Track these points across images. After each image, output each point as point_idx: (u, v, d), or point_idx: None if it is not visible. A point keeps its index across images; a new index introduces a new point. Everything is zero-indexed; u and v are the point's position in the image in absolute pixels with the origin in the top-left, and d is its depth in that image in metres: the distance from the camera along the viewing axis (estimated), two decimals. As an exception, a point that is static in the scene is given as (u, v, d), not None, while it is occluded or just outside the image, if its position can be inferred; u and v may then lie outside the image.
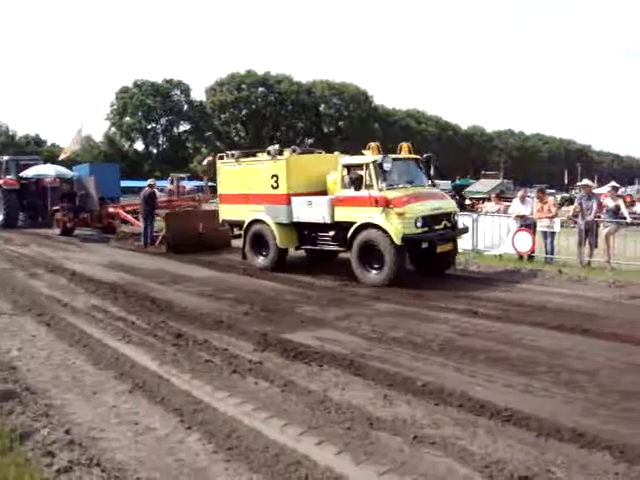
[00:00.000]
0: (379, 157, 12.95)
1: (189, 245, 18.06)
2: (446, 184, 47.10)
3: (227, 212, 16.44)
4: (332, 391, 6.50)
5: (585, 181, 18.13)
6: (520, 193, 17.81)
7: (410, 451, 5.08)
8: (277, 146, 15.09)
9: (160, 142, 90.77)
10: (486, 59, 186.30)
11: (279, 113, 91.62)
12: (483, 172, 51.95)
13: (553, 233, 15.81)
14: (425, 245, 12.74)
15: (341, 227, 13.51)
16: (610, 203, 16.15)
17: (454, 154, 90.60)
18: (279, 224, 14.59)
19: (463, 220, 15.70)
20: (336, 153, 16.26)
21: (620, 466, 4.78)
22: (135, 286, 12.92)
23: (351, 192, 13.22)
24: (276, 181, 14.48)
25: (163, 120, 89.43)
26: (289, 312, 10.43)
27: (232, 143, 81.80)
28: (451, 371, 7.16)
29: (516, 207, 16.94)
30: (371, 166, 13.00)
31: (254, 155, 15.95)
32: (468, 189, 47.60)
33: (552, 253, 15.94)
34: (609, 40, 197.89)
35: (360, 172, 13.14)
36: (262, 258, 15.24)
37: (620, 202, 16.66)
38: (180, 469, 4.84)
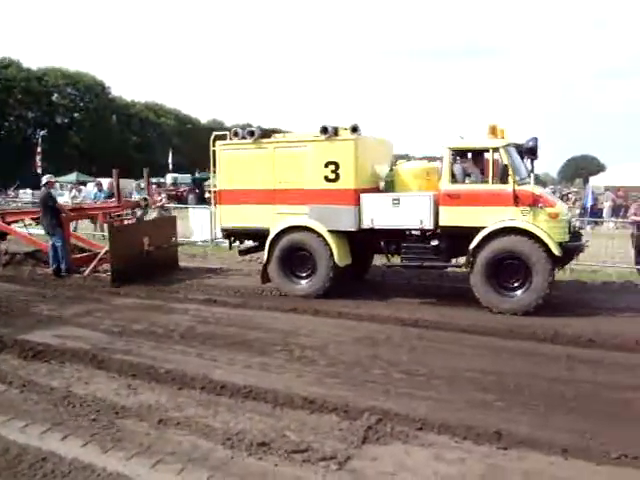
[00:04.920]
0: (527, 140, 9.87)
1: (135, 268, 12.48)
2: (186, 178, 47.22)
3: (231, 217, 11.74)
4: (76, 386, 6.47)
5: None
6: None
7: (156, 434, 5.29)
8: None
9: None
10: (221, 54, 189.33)
11: (6, 102, 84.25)
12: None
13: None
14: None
15: (448, 234, 10.31)
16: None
17: (194, 148, 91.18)
18: (335, 232, 10.95)
19: (201, 212, 15.94)
20: (384, 138, 12.26)
21: (344, 423, 5.48)
22: None
23: (470, 187, 10.21)
24: (335, 170, 10.69)
25: None
26: (25, 312, 9.96)
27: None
28: (193, 357, 7.51)
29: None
30: (502, 151, 9.88)
31: (268, 135, 11.69)
32: (208, 182, 48.21)
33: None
34: (370, 40, 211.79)
35: (467, 160, 10.53)
36: (304, 281, 11.15)
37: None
38: None
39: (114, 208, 14.80)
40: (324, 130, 10.64)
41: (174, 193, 37.64)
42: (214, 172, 12.05)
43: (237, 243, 12.59)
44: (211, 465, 4.72)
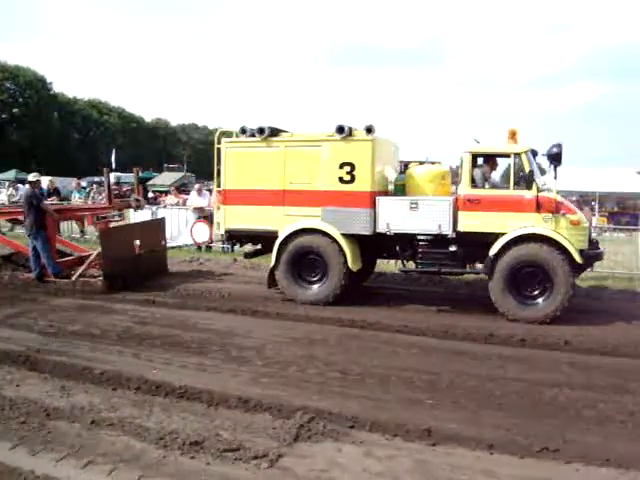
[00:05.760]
0: (551, 146, 9.69)
1: (126, 273, 11.87)
2: (129, 177, 46.52)
3: (236, 218, 11.16)
4: (7, 389, 6.35)
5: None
6: (197, 186, 18.78)
7: (88, 435, 5.26)
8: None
9: None
10: (167, 51, 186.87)
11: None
12: (166, 165, 52.48)
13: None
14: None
15: (466, 240, 10.09)
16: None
17: (138, 147, 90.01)
18: (348, 236, 10.56)
19: (144, 213, 15.80)
20: (392, 140, 11.82)
21: (277, 422, 5.56)
22: None
23: (491, 192, 10.05)
24: (350, 172, 10.32)
25: None
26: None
27: None
28: (129, 357, 7.48)
29: (193, 200, 17.75)
30: (524, 157, 9.80)
31: (275, 134, 11.04)
32: (151, 182, 47.71)
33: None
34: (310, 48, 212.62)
35: (484, 165, 10.40)
36: (315, 286, 10.70)
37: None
38: None
39: (104, 209, 13.93)
40: (340, 130, 10.29)
41: (117, 192, 37.02)
42: (218, 171, 11.41)
43: (237, 246, 12.42)
44: (143, 465, 4.73)
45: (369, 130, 10.21)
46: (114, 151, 54.21)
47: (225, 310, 10.00)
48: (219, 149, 11.26)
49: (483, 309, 10.10)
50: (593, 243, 10.28)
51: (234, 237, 11.71)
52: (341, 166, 10.33)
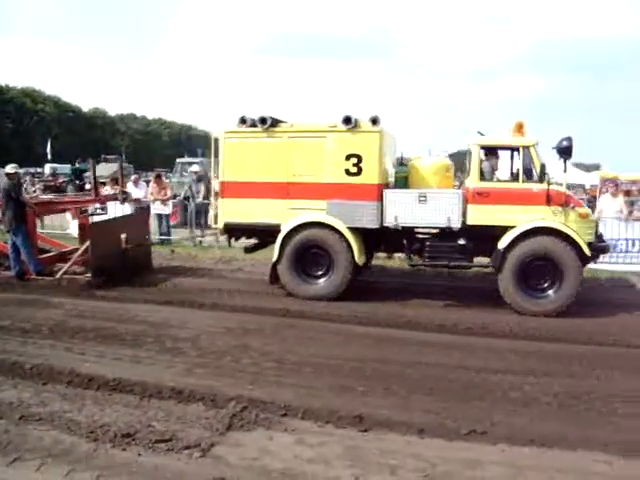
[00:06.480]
0: (561, 139, 9.62)
1: (114, 268, 11.29)
2: (65, 168, 45.41)
3: (235, 211, 10.67)
4: None
5: (194, 167, 19.41)
6: (133, 177, 18.50)
7: (16, 430, 5.17)
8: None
9: None
10: (105, 41, 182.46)
11: None
12: (103, 156, 51.29)
13: (168, 215, 16.71)
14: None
15: (475, 234, 10.02)
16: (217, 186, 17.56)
17: (75, 137, 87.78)
18: (354, 229, 10.31)
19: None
20: (389, 130, 11.02)
21: (210, 412, 5.57)
22: None
23: (500, 185, 10.03)
24: (357, 164, 10.05)
25: None
26: None
27: None
28: (61, 351, 7.36)
29: (130, 191, 17.43)
30: (532, 150, 9.82)
31: (274, 125, 10.50)
32: (88, 173, 46.62)
33: (168, 235, 16.83)
34: (240, 39, 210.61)
35: (491, 158, 10.30)
36: (320, 281, 10.41)
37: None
38: None
39: (91, 202, 13.32)
40: (347, 120, 9.97)
41: (52, 184, 36.11)
42: (215, 162, 10.96)
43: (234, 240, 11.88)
44: (72, 459, 4.68)
45: (374, 121, 10.03)
46: (49, 141, 52.88)
47: (162, 302, 9.92)
48: (216, 139, 10.84)
49: (434, 298, 10.43)
50: (598, 236, 10.37)
51: (232, 231, 11.24)
52: (347, 158, 10.07)
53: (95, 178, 13.80)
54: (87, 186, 40.09)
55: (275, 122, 10.45)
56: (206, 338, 7.96)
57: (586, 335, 8.52)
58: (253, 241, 11.71)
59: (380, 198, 10.05)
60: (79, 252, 11.80)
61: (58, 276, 11.34)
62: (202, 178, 17.36)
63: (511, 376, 6.80)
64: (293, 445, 5.01)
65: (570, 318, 9.46)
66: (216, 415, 5.48)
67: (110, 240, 11.57)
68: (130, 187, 17.57)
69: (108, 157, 50.34)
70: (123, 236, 11.86)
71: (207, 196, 16.55)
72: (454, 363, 7.24)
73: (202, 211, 16.31)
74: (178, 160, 30.83)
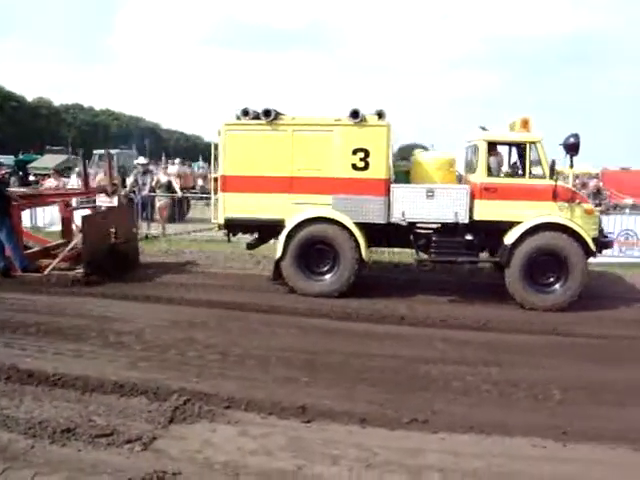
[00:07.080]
0: (568, 136, 9.74)
1: (105, 263, 10.95)
2: (8, 159, 44.19)
3: (237, 206, 10.34)
4: None
5: (140, 159, 19.17)
6: (77, 169, 18.19)
7: (-50, 430, 5.05)
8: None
9: None
10: (50, 28, 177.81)
11: None
12: (48, 147, 50.13)
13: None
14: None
15: (480, 229, 10.10)
16: (163, 178, 17.42)
17: (19, 127, 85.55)
18: (360, 225, 10.09)
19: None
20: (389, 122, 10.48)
21: (152, 406, 5.55)
22: None
23: (508, 180, 10.06)
24: (364, 158, 9.88)
25: None
26: None
27: None
28: (1, 347, 7.18)
29: (74, 183, 17.23)
30: (538, 146, 9.86)
31: (275, 118, 10.19)
32: (33, 164, 45.46)
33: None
34: (186, 31, 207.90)
35: (497, 154, 10.32)
36: (326, 277, 10.20)
37: (172, 178, 18.06)
38: None
39: (81, 195, 12.82)
40: (354, 114, 9.80)
41: (-6, 176, 35.10)
42: (216, 155, 10.65)
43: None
44: (9, 456, 4.59)
45: (380, 115, 9.91)
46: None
47: (106, 296, 9.78)
48: (218, 131, 10.46)
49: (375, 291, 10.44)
50: (601, 231, 10.42)
51: (232, 226, 10.81)
52: (354, 152, 9.90)
53: (86, 170, 13.34)
54: (31, 178, 39.34)
55: (277, 115, 10.23)
56: (150, 332, 7.89)
57: (536, 326, 8.82)
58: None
59: (387, 193, 9.98)
60: (69, 247, 11.34)
61: (46, 272, 10.76)
62: (148, 171, 17.14)
63: (451, 366, 6.96)
64: (236, 437, 5.03)
65: (494, 307, 9.90)
66: (158, 408, 5.46)
67: (102, 234, 11.21)
68: (74, 179, 17.31)
69: (53, 148, 49.19)
70: (112, 230, 11.46)
71: (153, 189, 16.40)
72: (390, 352, 7.38)
73: (148, 204, 16.11)
74: (95, 152, 30.35)
